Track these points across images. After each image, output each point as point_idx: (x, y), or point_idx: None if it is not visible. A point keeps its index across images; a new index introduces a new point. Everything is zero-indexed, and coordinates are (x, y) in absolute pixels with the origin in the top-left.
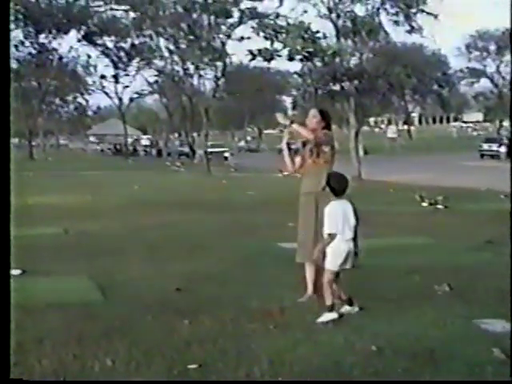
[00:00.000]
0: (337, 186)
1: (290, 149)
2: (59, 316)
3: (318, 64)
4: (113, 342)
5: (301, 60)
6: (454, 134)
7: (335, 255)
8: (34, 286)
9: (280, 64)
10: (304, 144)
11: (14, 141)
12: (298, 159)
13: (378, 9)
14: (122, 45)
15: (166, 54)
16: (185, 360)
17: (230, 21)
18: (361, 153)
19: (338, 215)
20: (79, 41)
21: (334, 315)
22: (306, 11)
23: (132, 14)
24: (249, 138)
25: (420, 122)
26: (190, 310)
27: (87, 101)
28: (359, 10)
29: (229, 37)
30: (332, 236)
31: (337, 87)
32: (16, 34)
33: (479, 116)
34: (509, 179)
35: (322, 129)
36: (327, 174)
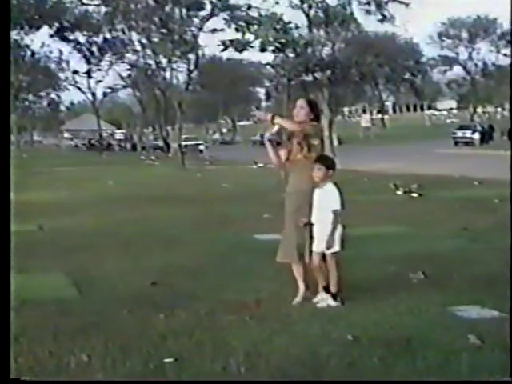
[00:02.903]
0: (333, 167)
1: (272, 144)
2: (35, 313)
3: (291, 55)
4: (89, 337)
5: (273, 51)
6: (427, 121)
7: (339, 235)
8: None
9: (253, 55)
10: (290, 137)
11: None
12: (282, 152)
13: None
14: (95, 39)
15: (139, 47)
16: (161, 354)
17: (202, 13)
18: (335, 142)
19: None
20: (51, 36)
21: (337, 303)
22: (277, 2)
23: (104, 9)
24: (224, 130)
25: (394, 110)
26: (165, 303)
27: (59, 96)
28: (331, 0)
29: (200, 29)
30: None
31: (309, 77)
32: None
33: (453, 103)
34: (483, 166)
35: (311, 120)
36: (319, 157)
